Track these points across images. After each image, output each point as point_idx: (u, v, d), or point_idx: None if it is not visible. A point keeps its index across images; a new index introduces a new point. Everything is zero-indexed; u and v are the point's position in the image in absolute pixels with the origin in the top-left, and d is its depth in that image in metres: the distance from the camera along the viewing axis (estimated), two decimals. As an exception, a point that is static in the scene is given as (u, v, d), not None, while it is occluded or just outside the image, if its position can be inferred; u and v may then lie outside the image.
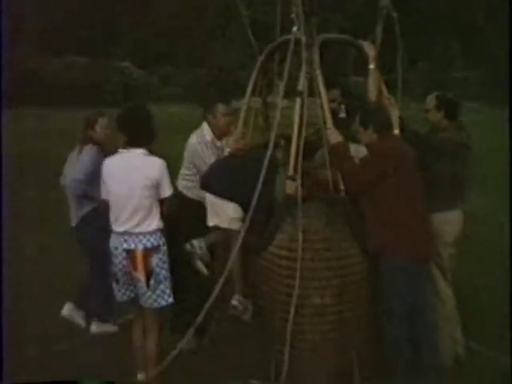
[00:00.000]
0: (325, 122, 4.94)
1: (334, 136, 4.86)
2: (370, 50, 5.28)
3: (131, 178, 4.45)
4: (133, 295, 4.64)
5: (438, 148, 5.00)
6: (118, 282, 4.60)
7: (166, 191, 4.53)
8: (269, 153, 4.90)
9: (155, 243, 4.49)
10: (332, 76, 5.31)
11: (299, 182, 4.78)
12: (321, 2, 5.22)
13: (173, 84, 33.96)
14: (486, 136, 15.53)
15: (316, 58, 5.00)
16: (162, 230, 4.58)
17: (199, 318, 4.74)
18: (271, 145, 4.93)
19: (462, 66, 31.59)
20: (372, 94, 5.21)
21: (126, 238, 4.47)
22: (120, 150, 4.56)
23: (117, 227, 4.53)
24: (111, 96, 30.39)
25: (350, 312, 4.84)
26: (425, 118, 5.28)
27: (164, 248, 4.56)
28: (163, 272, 4.54)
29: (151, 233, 4.49)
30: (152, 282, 4.49)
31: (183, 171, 5.61)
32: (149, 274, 4.47)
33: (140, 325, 4.76)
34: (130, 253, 4.46)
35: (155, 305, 4.56)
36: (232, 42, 33.07)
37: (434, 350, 4.91)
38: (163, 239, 4.58)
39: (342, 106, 5.26)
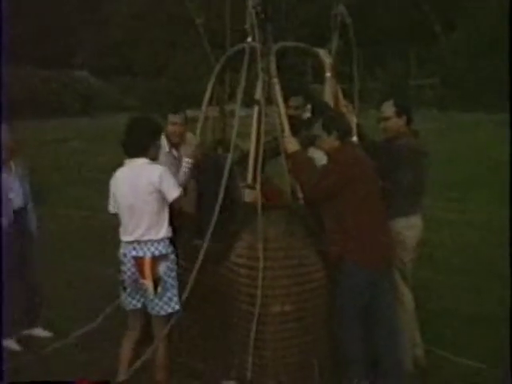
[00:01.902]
0: (282, 131, 4.94)
1: (292, 144, 4.87)
2: (326, 57, 5.33)
3: (136, 187, 4.51)
4: (139, 305, 4.68)
5: (398, 155, 5.02)
6: (125, 289, 4.64)
7: (173, 193, 4.54)
8: (227, 166, 4.90)
9: (163, 251, 4.54)
10: (294, 83, 5.32)
11: (258, 189, 4.77)
12: (277, 10, 5.22)
13: (132, 94, 33.76)
14: (440, 142, 15.82)
15: (273, 66, 5.01)
16: (169, 238, 4.63)
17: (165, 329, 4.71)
18: (230, 156, 4.92)
19: (418, 74, 32.02)
20: (329, 102, 5.25)
21: (135, 245, 4.53)
22: (125, 161, 4.64)
23: (126, 237, 4.59)
24: (71, 106, 30.20)
25: (311, 319, 4.84)
26: (383, 126, 5.26)
27: (172, 256, 4.63)
28: (170, 280, 4.59)
29: (159, 241, 4.54)
30: (159, 289, 4.53)
31: None
32: (156, 282, 4.51)
33: (132, 338, 4.78)
34: (138, 260, 4.51)
35: (162, 312, 4.59)
36: (191, 52, 33.05)
37: (395, 354, 4.94)
38: (171, 247, 4.63)
39: (308, 106, 5.26)
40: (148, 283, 4.50)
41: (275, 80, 4.98)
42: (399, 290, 5.19)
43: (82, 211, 11.32)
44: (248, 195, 4.86)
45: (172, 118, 5.51)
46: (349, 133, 4.86)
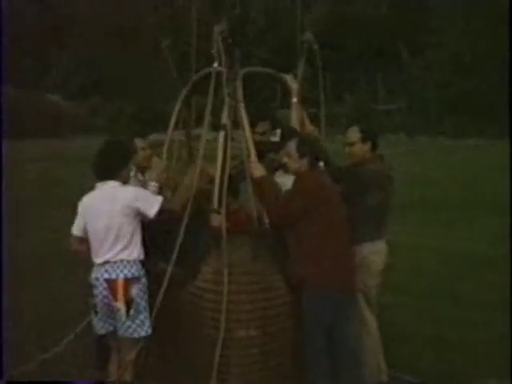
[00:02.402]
0: (248, 155, 4.95)
1: (257, 170, 4.87)
2: (292, 83, 5.37)
3: (110, 210, 4.53)
4: (111, 328, 4.67)
5: (364, 181, 5.06)
6: (96, 313, 4.63)
7: (153, 208, 4.58)
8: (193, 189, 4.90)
9: (136, 274, 4.56)
10: (260, 108, 5.34)
11: (223, 214, 4.77)
12: (244, 35, 5.26)
13: (100, 115, 33.70)
14: (406, 166, 16.03)
15: (239, 91, 5.03)
16: (141, 262, 4.65)
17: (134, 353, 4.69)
18: (195, 180, 4.91)
19: (385, 99, 32.46)
20: (295, 127, 5.29)
21: (107, 268, 4.53)
22: (96, 185, 4.67)
23: (98, 259, 4.58)
24: (41, 128, 30.09)
25: (275, 344, 4.83)
26: (348, 151, 5.29)
27: (144, 279, 4.62)
28: (143, 303, 4.59)
29: (132, 263, 4.56)
30: (132, 311, 4.52)
31: None
32: (129, 304, 4.51)
33: (117, 359, 4.78)
34: (110, 282, 4.50)
35: (135, 335, 4.58)
36: (160, 74, 33.10)
37: (357, 378, 4.95)
38: (143, 271, 4.64)
39: (278, 131, 5.29)
40: (121, 305, 4.49)
41: (241, 105, 4.99)
42: (363, 315, 5.21)
43: (51, 232, 11.18)
44: (214, 220, 4.84)
45: (139, 142, 5.52)
46: (321, 157, 4.89)
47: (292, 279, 4.80)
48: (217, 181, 4.90)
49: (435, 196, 14.36)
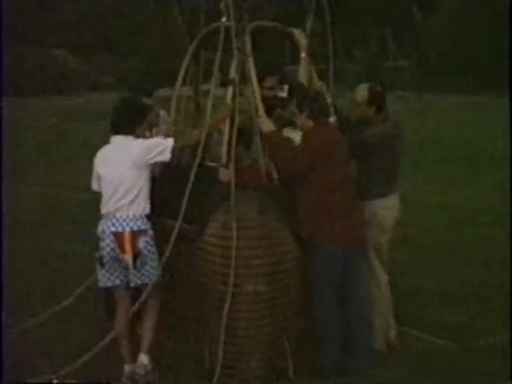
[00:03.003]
0: (256, 110, 4.93)
1: (266, 125, 4.86)
2: (300, 37, 5.31)
3: (123, 161, 4.64)
4: (117, 282, 4.75)
5: (366, 145, 5.05)
6: (103, 266, 4.69)
7: (166, 152, 4.69)
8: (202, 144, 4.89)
9: (142, 227, 4.65)
10: (269, 64, 5.28)
11: (232, 168, 4.77)
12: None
13: (109, 72, 33.41)
14: (415, 123, 15.93)
15: (248, 45, 4.98)
16: (148, 216, 4.73)
17: (135, 307, 4.79)
18: (203, 135, 4.90)
19: (395, 56, 32.09)
20: (303, 82, 5.25)
21: (114, 221, 4.61)
22: (111, 137, 4.79)
23: (105, 209, 4.68)
24: (47, 84, 29.86)
25: (283, 299, 4.86)
26: (353, 108, 5.29)
27: (151, 232, 4.71)
28: (150, 254, 4.70)
29: (137, 217, 4.64)
30: (138, 262, 4.63)
31: None
32: (136, 256, 4.62)
33: (123, 313, 4.86)
34: (117, 235, 4.59)
35: (138, 282, 4.70)
36: (168, 30, 32.79)
37: (368, 335, 5.01)
38: (149, 225, 4.72)
39: (285, 86, 5.24)
40: (128, 258, 4.59)
41: (250, 59, 4.95)
42: (375, 272, 5.24)
43: (55, 188, 11.24)
44: (222, 174, 4.84)
45: (147, 101, 5.45)
46: (322, 113, 4.86)
47: (300, 235, 4.81)
48: (225, 136, 4.89)
49: (442, 154, 14.29)
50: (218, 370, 4.71)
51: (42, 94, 27.44)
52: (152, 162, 4.70)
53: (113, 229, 4.60)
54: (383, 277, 5.30)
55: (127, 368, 4.82)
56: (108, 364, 4.92)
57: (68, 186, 11.10)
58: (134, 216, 4.63)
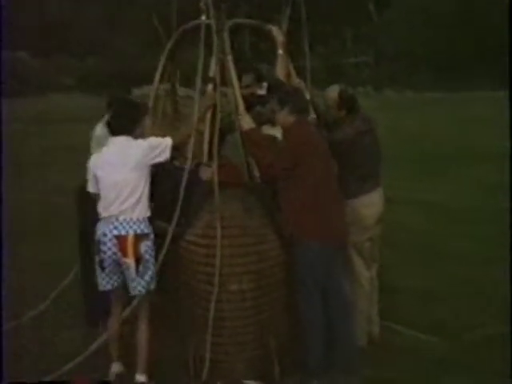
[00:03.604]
0: (237, 108, 4.91)
1: (246, 122, 4.84)
2: (278, 35, 5.31)
3: (124, 164, 4.57)
4: (116, 284, 4.70)
5: (337, 146, 5.01)
6: (103, 269, 4.63)
7: (166, 152, 4.65)
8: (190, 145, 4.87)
9: (145, 230, 4.59)
10: (244, 62, 5.26)
11: (215, 168, 4.74)
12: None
13: (68, 74, 33.07)
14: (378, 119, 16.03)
15: (227, 43, 4.96)
16: (149, 219, 4.67)
17: (126, 313, 4.77)
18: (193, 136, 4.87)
19: (353, 52, 32.39)
20: (281, 79, 5.25)
21: (116, 224, 4.53)
22: (110, 139, 4.72)
23: (106, 213, 4.58)
24: (7, 86, 29.38)
25: (268, 297, 4.85)
26: (322, 112, 5.30)
27: (152, 236, 4.65)
28: (151, 259, 4.62)
29: (141, 220, 4.58)
30: (141, 268, 4.55)
31: None
32: (138, 260, 4.54)
33: (117, 315, 4.82)
34: (120, 239, 4.51)
35: (143, 291, 4.61)
36: (128, 31, 32.60)
37: (349, 332, 5.00)
38: (151, 228, 4.65)
39: (264, 84, 5.22)
40: (130, 262, 4.52)
41: (229, 57, 4.93)
42: (355, 269, 5.26)
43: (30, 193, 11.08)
44: (204, 173, 4.82)
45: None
46: (303, 109, 4.85)
47: (284, 233, 4.81)
48: (206, 134, 4.86)
49: (413, 150, 14.43)
50: (205, 370, 4.68)
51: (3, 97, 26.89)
52: (153, 162, 4.64)
53: (115, 232, 4.51)
54: (364, 274, 5.31)
55: (114, 366, 4.80)
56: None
57: (42, 191, 10.98)
58: (138, 219, 4.55)
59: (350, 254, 5.19)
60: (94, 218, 4.72)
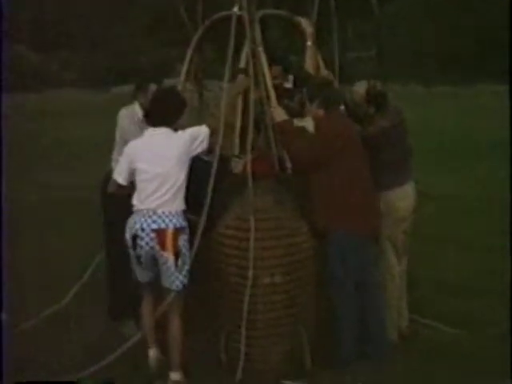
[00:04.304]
0: (268, 100, 4.87)
1: (279, 114, 4.80)
2: (307, 26, 5.26)
3: (166, 156, 4.47)
4: (153, 277, 4.65)
5: (371, 143, 4.95)
6: (140, 264, 4.57)
7: (205, 142, 4.59)
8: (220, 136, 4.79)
9: (183, 224, 4.51)
10: (273, 53, 5.21)
11: (249, 160, 4.70)
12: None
13: (71, 69, 32.96)
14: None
15: (257, 34, 4.92)
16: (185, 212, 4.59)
17: (161, 309, 4.69)
18: (221, 126, 4.80)
19: (356, 46, 32.31)
20: (310, 71, 5.21)
21: (155, 218, 4.43)
22: (149, 130, 4.63)
23: (143, 205, 4.49)
24: (8, 81, 29.27)
25: (299, 290, 4.81)
26: (352, 109, 5.19)
27: (187, 230, 4.57)
28: (187, 253, 4.56)
29: (179, 213, 4.51)
30: (179, 262, 4.48)
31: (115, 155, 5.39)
32: (177, 255, 4.46)
33: (150, 306, 4.77)
34: (159, 232, 4.42)
35: (180, 286, 4.53)
36: (131, 27, 32.50)
37: (381, 325, 4.99)
38: (186, 221, 4.58)
39: (290, 77, 5.17)
40: (169, 256, 4.42)
41: (260, 48, 4.90)
42: (389, 262, 5.21)
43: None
44: (236, 166, 4.78)
45: (153, 86, 5.32)
46: (333, 102, 4.81)
47: (315, 225, 4.78)
48: (237, 126, 4.83)
49: (419, 142, 14.37)
50: (241, 364, 4.65)
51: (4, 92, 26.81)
52: (195, 153, 4.56)
53: (154, 226, 4.41)
54: (396, 267, 5.27)
55: (152, 353, 4.75)
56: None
57: (46, 186, 10.95)
58: (176, 212, 4.47)
59: (385, 246, 5.14)
60: (122, 211, 4.65)
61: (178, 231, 4.45)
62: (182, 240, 4.49)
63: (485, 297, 6.08)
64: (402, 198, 5.17)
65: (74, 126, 17.55)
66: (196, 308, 4.96)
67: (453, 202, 9.61)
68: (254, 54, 4.89)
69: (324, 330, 4.95)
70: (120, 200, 4.75)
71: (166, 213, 4.44)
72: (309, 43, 5.21)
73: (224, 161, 4.87)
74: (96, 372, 4.68)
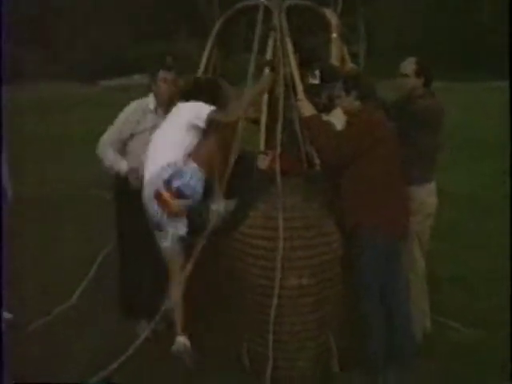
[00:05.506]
0: (295, 93, 4.67)
1: (307, 108, 4.60)
2: (332, 17, 5.08)
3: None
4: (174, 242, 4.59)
5: (418, 117, 4.82)
6: (161, 230, 4.53)
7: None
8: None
9: (171, 172, 4.41)
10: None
11: (277, 155, 4.51)
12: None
13: (56, 62, 32.78)
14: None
15: (284, 24, 4.73)
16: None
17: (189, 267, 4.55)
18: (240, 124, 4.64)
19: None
20: (335, 63, 5.03)
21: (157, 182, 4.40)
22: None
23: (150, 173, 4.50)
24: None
25: (327, 292, 4.62)
26: (400, 82, 5.06)
27: (184, 171, 4.46)
28: (189, 191, 4.42)
29: (168, 166, 4.42)
30: (182, 207, 4.38)
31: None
32: (176, 202, 4.35)
33: (178, 283, 4.68)
34: (156, 195, 4.36)
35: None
36: (110, 22, 32.42)
37: (408, 324, 4.80)
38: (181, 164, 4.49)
39: (317, 72, 4.97)
40: (172, 209, 4.35)
41: (287, 39, 4.70)
42: (416, 260, 5.06)
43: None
44: (262, 162, 4.58)
45: (162, 74, 5.13)
46: (369, 95, 4.62)
47: (345, 223, 4.58)
48: (263, 122, 4.63)
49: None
50: (268, 371, 4.44)
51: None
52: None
53: (151, 194, 4.39)
54: (422, 265, 5.11)
55: (179, 340, 4.67)
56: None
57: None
58: (159, 170, 4.39)
59: (412, 243, 4.98)
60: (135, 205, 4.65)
61: (168, 181, 4.36)
62: (177, 183, 4.37)
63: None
64: (431, 194, 5.05)
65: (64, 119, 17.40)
66: (216, 310, 4.80)
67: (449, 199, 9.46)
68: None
69: (351, 332, 4.76)
70: (133, 194, 4.73)
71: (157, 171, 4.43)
72: (334, 35, 5.03)
73: (249, 157, 4.68)
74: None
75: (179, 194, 4.30)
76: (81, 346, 5.11)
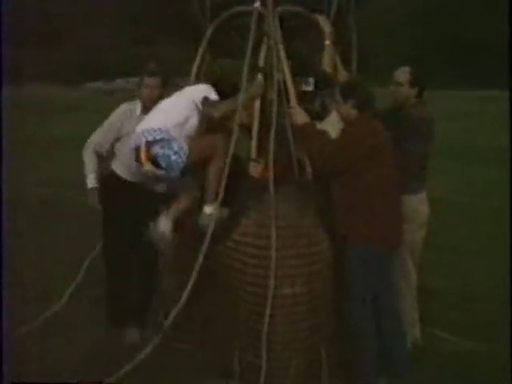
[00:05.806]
0: (288, 100, 4.63)
1: (300, 116, 4.56)
2: (325, 25, 5.03)
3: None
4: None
5: (408, 126, 4.81)
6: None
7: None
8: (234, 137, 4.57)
9: (157, 137, 4.50)
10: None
11: (271, 163, 4.46)
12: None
13: (36, 64, 32.60)
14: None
15: (277, 31, 4.69)
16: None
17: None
18: (236, 130, 4.58)
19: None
20: (327, 70, 4.99)
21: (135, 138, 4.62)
22: None
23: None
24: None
25: (319, 301, 4.58)
26: (393, 90, 5.04)
27: (170, 138, 4.54)
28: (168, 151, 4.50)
29: (154, 129, 4.52)
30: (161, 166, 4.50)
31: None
32: (154, 162, 4.51)
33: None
34: (136, 151, 4.59)
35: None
36: (97, 24, 32.27)
37: (400, 336, 4.76)
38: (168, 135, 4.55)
39: (310, 79, 4.92)
40: (147, 167, 4.48)
41: (280, 46, 4.66)
42: (408, 271, 5.03)
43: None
44: (254, 169, 4.54)
45: (147, 80, 5.13)
46: (366, 103, 4.57)
47: (337, 232, 4.54)
48: (255, 128, 4.58)
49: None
50: (262, 380, 4.38)
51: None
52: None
53: (133, 146, 4.56)
54: (413, 276, 5.08)
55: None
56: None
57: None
58: (148, 129, 4.48)
59: (404, 253, 4.93)
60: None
61: (150, 143, 4.45)
62: (158, 148, 4.46)
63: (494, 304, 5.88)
64: (423, 203, 5.04)
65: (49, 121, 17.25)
66: (208, 318, 4.76)
67: (447, 207, 9.44)
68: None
69: (341, 342, 4.72)
70: (119, 197, 4.93)
71: (140, 131, 4.55)
72: (327, 42, 4.99)
73: (240, 164, 4.63)
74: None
75: (154, 160, 4.42)
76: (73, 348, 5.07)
